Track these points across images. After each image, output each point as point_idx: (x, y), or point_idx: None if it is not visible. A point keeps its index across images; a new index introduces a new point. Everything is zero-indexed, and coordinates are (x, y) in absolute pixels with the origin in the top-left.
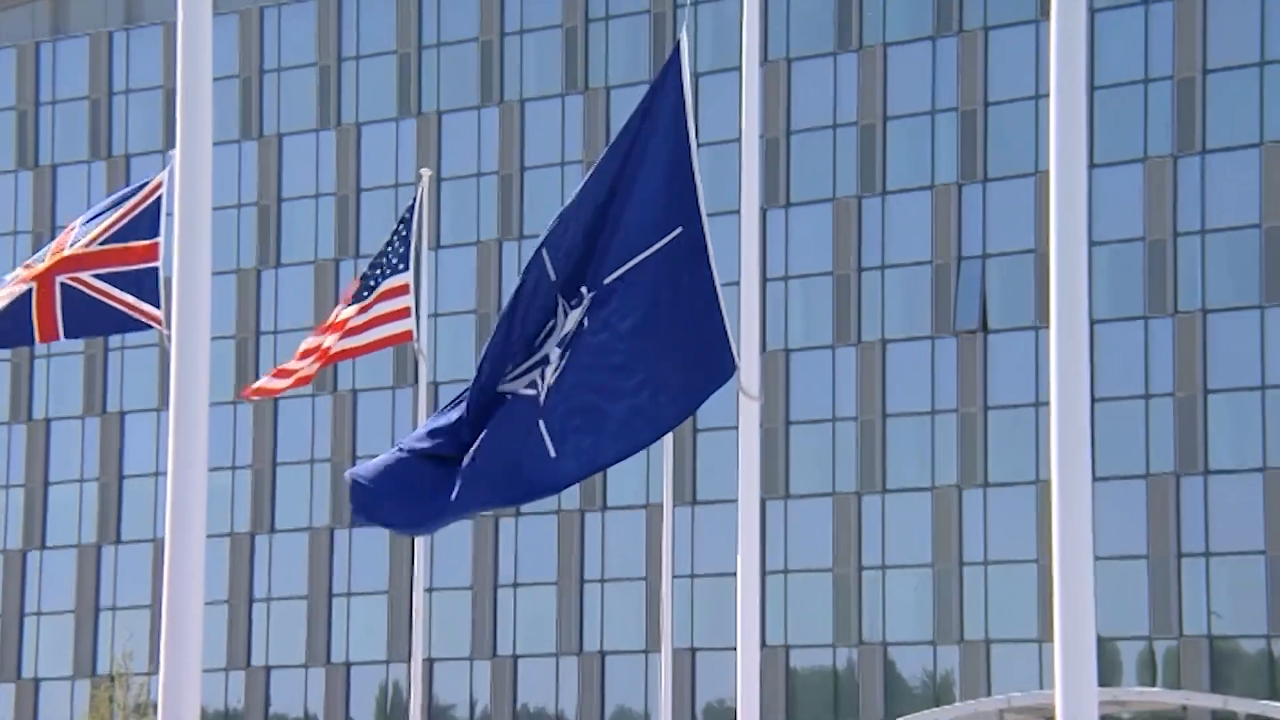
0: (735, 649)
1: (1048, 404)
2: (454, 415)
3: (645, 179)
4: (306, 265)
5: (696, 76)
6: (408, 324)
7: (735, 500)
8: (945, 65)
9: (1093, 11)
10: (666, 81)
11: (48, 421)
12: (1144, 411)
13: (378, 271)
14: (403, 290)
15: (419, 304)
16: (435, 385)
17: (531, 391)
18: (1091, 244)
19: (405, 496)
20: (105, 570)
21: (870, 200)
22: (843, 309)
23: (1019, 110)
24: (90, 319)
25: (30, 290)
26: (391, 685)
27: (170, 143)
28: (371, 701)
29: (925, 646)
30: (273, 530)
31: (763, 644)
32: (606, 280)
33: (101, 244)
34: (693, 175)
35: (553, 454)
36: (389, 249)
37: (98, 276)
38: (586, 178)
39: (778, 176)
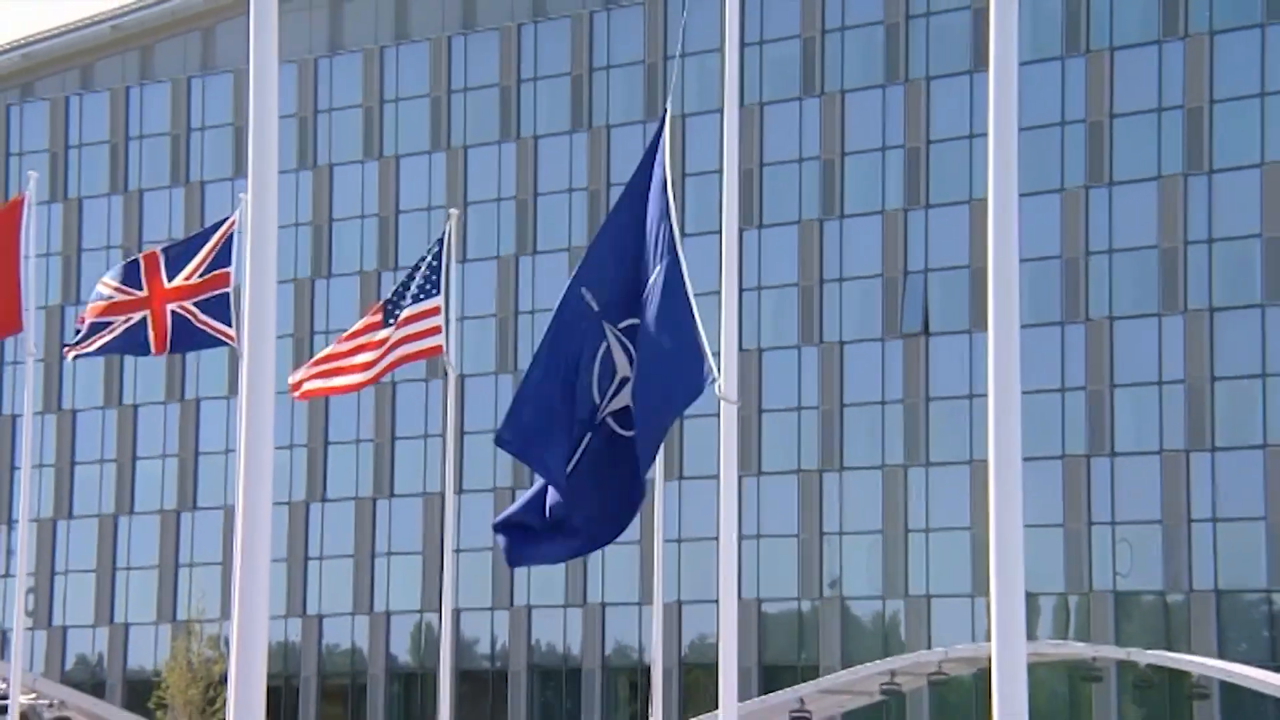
0: (717, 601)
1: (981, 396)
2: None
3: (637, 224)
4: (353, 275)
5: (684, 118)
6: (439, 340)
7: (716, 476)
8: (893, 109)
9: (1021, 64)
10: (656, 149)
11: (135, 407)
12: (1060, 403)
13: (410, 293)
14: (434, 312)
15: (448, 310)
16: (461, 378)
17: (629, 432)
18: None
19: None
20: (184, 532)
21: (830, 223)
22: (807, 315)
23: (957, 147)
24: (188, 338)
25: (146, 316)
26: (425, 629)
27: (239, 171)
28: (408, 640)
29: (876, 600)
30: (324, 500)
31: (739, 597)
32: (651, 306)
33: (200, 276)
34: (671, 223)
35: (640, 468)
36: (420, 275)
37: (195, 304)
38: (607, 219)
39: (752, 202)
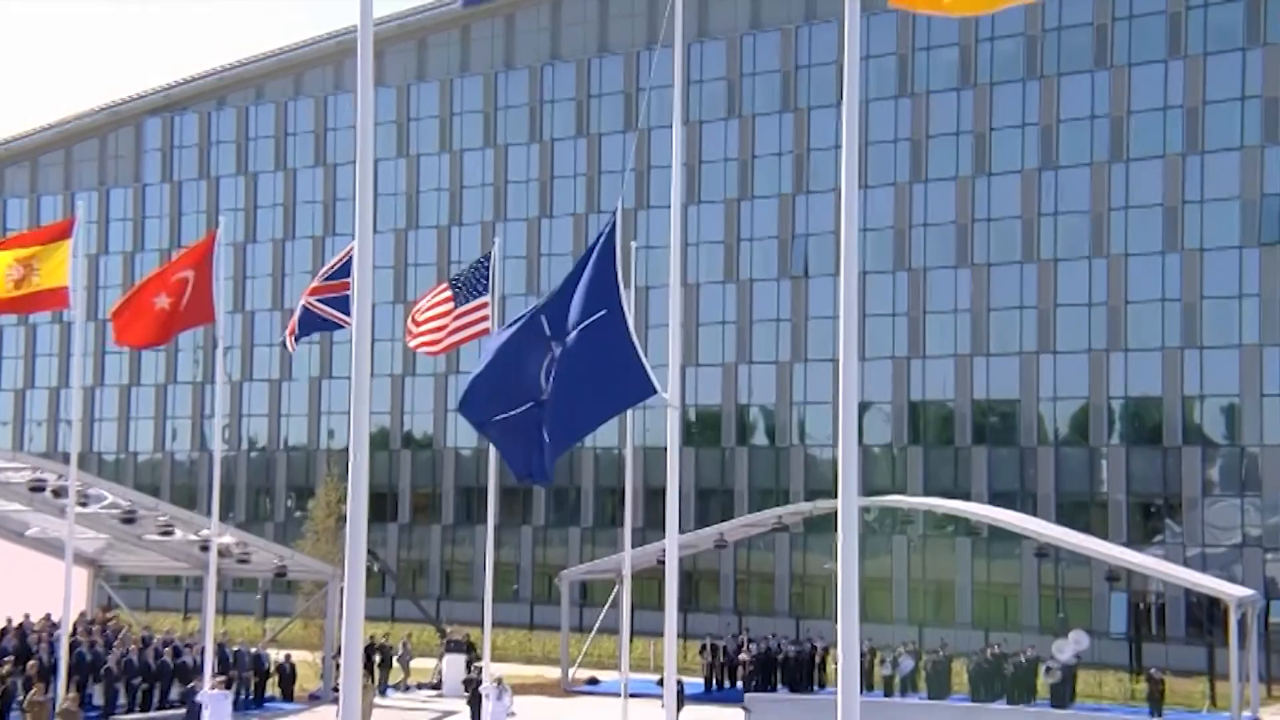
0: None
1: None
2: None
3: (588, 279)
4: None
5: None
6: (487, 325)
7: None
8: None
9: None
10: (609, 227)
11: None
12: None
13: (465, 292)
14: (484, 305)
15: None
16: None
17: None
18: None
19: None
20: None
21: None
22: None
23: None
24: (314, 324)
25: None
26: None
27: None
28: None
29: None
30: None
31: None
32: (567, 337)
33: (326, 279)
34: (616, 277)
35: (546, 439)
36: (473, 279)
37: (322, 300)
38: (570, 271)
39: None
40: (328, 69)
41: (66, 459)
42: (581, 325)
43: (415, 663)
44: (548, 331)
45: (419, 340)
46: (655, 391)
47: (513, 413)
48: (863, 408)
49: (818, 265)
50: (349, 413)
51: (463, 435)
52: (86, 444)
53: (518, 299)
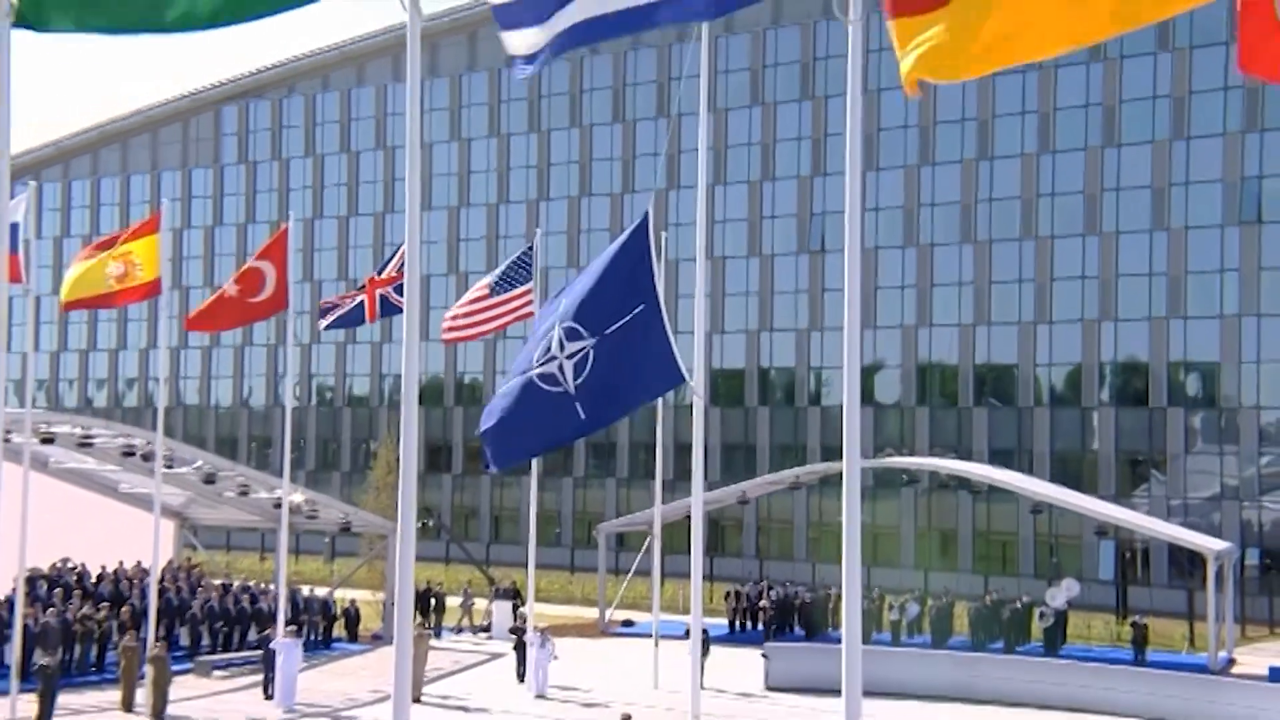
0: None
1: None
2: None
3: (623, 274)
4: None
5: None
6: (531, 309)
7: None
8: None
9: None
10: (641, 225)
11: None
12: None
13: (510, 281)
14: (528, 293)
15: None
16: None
17: (556, 388)
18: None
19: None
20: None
21: None
22: None
23: None
24: (389, 309)
25: (363, 300)
26: None
27: None
28: None
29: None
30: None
31: None
32: (608, 330)
33: (397, 271)
34: (653, 275)
35: (582, 417)
36: (517, 268)
37: (394, 289)
38: (590, 265)
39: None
40: (386, 60)
41: (155, 415)
42: (622, 320)
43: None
44: (559, 320)
45: (453, 334)
46: (684, 380)
47: (514, 382)
48: (875, 370)
49: (833, 241)
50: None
51: None
52: (172, 398)
53: (559, 270)
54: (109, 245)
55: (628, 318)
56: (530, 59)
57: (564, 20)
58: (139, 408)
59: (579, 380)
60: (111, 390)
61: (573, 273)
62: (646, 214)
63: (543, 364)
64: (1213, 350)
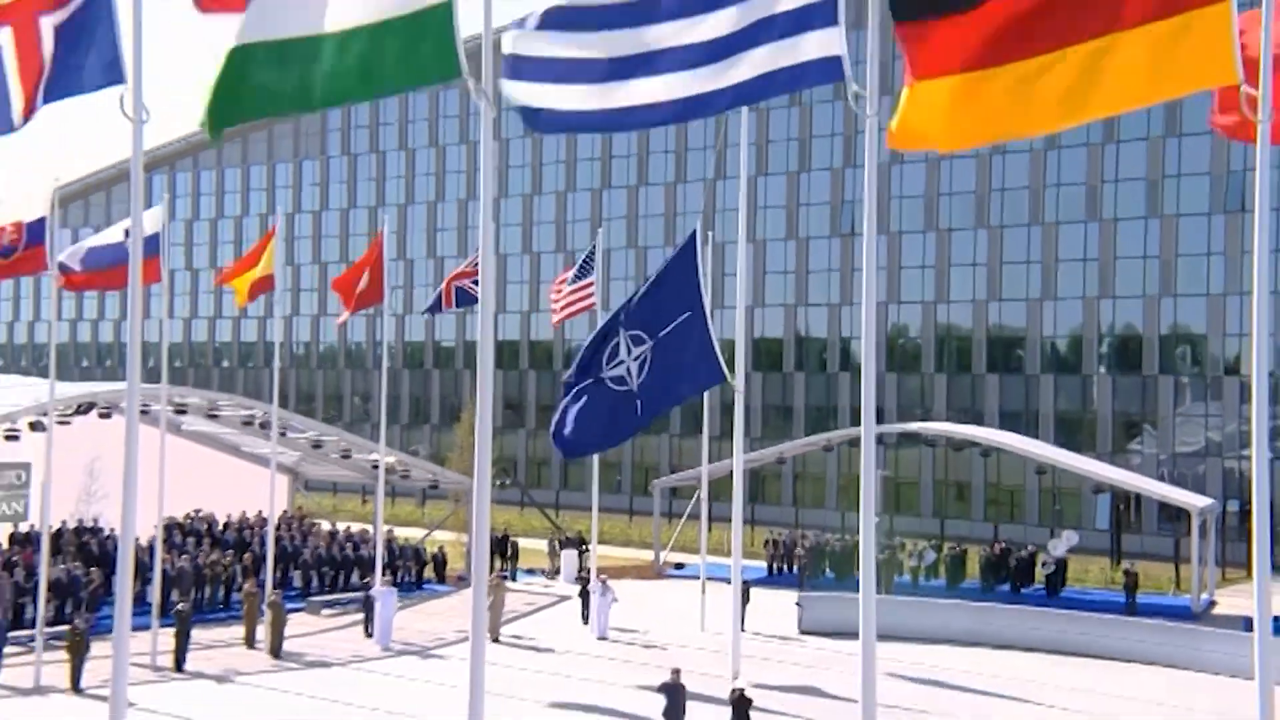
0: None
1: None
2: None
3: (675, 285)
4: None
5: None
6: (593, 300)
7: None
8: None
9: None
10: (689, 242)
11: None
12: None
13: (579, 274)
14: (590, 285)
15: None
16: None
17: (624, 387)
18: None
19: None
20: None
21: None
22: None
23: None
24: (465, 299)
25: (440, 290)
26: None
27: None
28: None
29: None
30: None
31: None
32: (662, 333)
33: (472, 266)
34: (699, 285)
35: (639, 414)
36: (584, 265)
37: (471, 281)
38: (653, 278)
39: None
40: (473, 63)
41: (272, 384)
42: (672, 325)
43: (535, 546)
44: (625, 328)
45: (559, 315)
46: (724, 379)
47: (582, 385)
48: (898, 340)
49: (862, 225)
50: (479, 339)
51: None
52: (286, 358)
53: (620, 251)
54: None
55: (677, 322)
56: (550, 117)
57: (595, 99)
58: (257, 367)
59: (640, 379)
60: (235, 352)
61: (632, 254)
62: (694, 232)
63: (613, 367)
64: (1200, 324)
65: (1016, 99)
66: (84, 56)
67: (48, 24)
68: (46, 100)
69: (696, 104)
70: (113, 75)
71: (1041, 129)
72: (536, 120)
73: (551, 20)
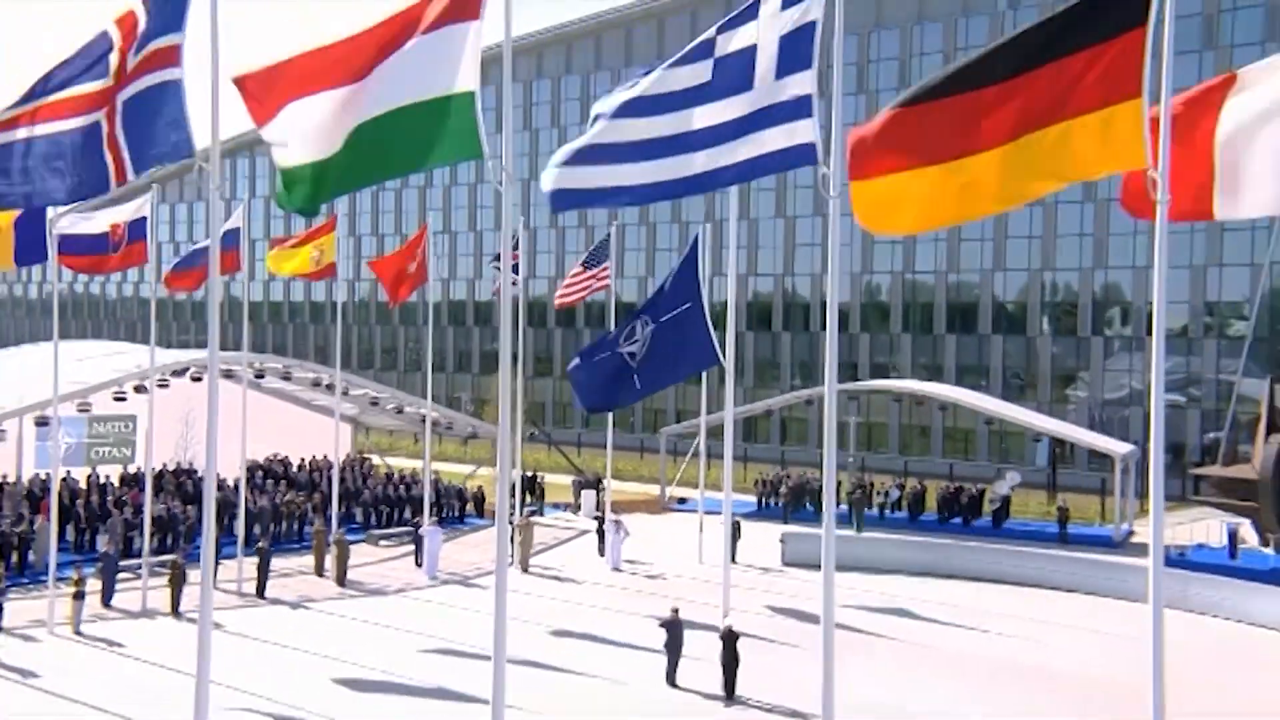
0: None
1: None
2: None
3: (681, 280)
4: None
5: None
6: (609, 281)
7: None
8: None
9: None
10: (694, 245)
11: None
12: None
13: (595, 262)
14: (607, 270)
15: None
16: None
17: (633, 362)
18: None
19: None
20: None
21: None
22: None
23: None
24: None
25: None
26: None
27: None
28: None
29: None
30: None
31: None
32: (663, 318)
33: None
34: (699, 280)
35: (638, 385)
36: (601, 249)
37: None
38: (671, 273)
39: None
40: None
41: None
42: (673, 313)
43: (562, 481)
44: (642, 314)
45: (563, 300)
46: (719, 361)
47: (599, 357)
48: (871, 305)
49: (843, 206)
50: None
51: (594, 319)
52: (353, 315)
53: (633, 228)
54: (308, 240)
55: (678, 311)
56: (577, 196)
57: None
58: (325, 324)
59: (641, 356)
60: (307, 310)
61: (644, 228)
62: (697, 237)
63: (629, 344)
64: (1127, 293)
65: (958, 191)
66: (155, 129)
67: (119, 99)
68: (137, 171)
69: (701, 180)
70: (182, 150)
71: (983, 214)
72: (559, 200)
73: (581, 157)
